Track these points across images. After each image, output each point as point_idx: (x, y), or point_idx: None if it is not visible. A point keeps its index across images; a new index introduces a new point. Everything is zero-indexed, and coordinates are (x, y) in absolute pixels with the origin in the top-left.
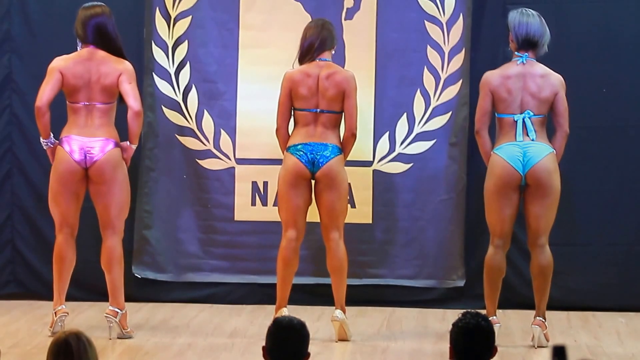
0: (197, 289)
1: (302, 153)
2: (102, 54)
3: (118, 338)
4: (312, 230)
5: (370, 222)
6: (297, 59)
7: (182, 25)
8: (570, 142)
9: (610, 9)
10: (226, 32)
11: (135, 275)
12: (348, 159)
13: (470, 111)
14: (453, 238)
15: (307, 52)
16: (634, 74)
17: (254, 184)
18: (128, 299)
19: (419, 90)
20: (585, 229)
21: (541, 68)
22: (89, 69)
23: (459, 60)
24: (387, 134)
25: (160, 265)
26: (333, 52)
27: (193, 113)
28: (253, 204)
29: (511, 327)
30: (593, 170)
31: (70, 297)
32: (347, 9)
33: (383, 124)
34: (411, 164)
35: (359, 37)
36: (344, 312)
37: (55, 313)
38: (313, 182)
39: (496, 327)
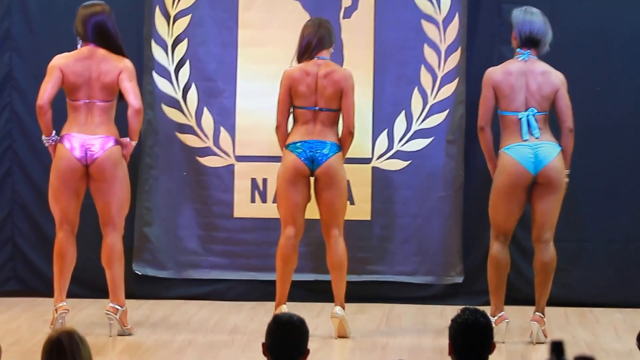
0: (197, 286)
1: (301, 150)
2: (102, 52)
3: (118, 335)
4: (312, 227)
5: (369, 218)
6: (295, 58)
7: (182, 24)
8: None
9: (604, 8)
10: (225, 31)
11: (136, 272)
12: (347, 156)
13: (466, 109)
14: (451, 235)
15: (305, 51)
16: (628, 72)
17: (254, 181)
18: (128, 296)
19: (416, 88)
20: (582, 225)
21: (542, 66)
22: (89, 66)
23: (455, 58)
24: (385, 132)
25: (161, 263)
26: (331, 50)
27: (193, 111)
28: (252, 200)
29: (509, 324)
30: (589, 167)
31: (70, 294)
32: (345, 7)
33: (381, 122)
34: (409, 161)
35: (357, 35)
36: (344, 308)
37: (55, 310)
38: (313, 179)
39: (504, 323)
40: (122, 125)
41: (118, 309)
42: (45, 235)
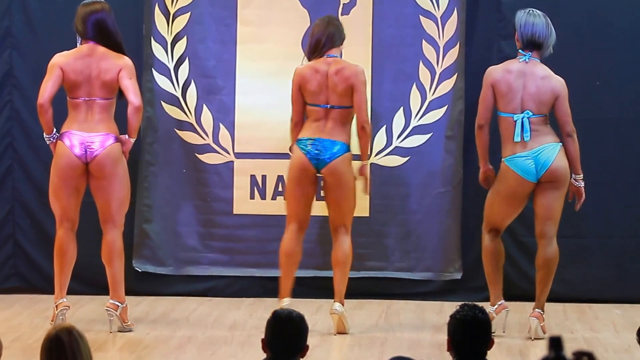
0: (197, 282)
1: (309, 148)
2: (102, 49)
3: (118, 331)
4: (311, 224)
5: (368, 215)
6: (305, 57)
7: (181, 22)
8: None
9: (603, 2)
10: (224, 28)
11: (136, 268)
12: None
13: (465, 105)
14: (450, 231)
15: (315, 49)
16: (628, 67)
17: (253, 177)
18: (128, 292)
19: (414, 85)
20: (581, 221)
21: (543, 69)
22: (89, 64)
23: (453, 54)
24: (384, 128)
25: (160, 259)
26: (342, 47)
27: (192, 108)
28: (252, 197)
29: (508, 319)
30: (588, 163)
31: (71, 291)
32: (344, 4)
33: (380, 118)
34: (408, 157)
35: (356, 32)
36: (343, 305)
37: (56, 307)
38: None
39: (505, 312)
40: (122, 123)
41: (118, 306)
42: (45, 232)
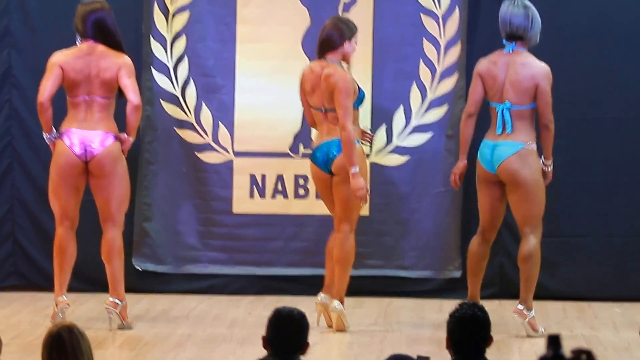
0: (196, 281)
1: (315, 158)
2: (101, 48)
3: (118, 329)
4: (310, 223)
5: (368, 214)
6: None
7: (181, 20)
8: (566, 133)
9: (604, 2)
10: (224, 27)
11: (135, 267)
12: None
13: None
14: (450, 229)
15: (319, 50)
16: (628, 65)
17: (252, 176)
18: (128, 290)
19: (415, 83)
20: (581, 220)
21: (525, 57)
22: (88, 63)
23: (455, 53)
24: (384, 127)
25: (160, 257)
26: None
27: (192, 107)
28: (251, 196)
29: (507, 318)
30: (589, 161)
31: (70, 289)
32: (344, 2)
33: (380, 117)
34: (408, 156)
35: None
36: (342, 303)
37: (56, 304)
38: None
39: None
40: (121, 122)
41: (118, 304)
42: (45, 230)
